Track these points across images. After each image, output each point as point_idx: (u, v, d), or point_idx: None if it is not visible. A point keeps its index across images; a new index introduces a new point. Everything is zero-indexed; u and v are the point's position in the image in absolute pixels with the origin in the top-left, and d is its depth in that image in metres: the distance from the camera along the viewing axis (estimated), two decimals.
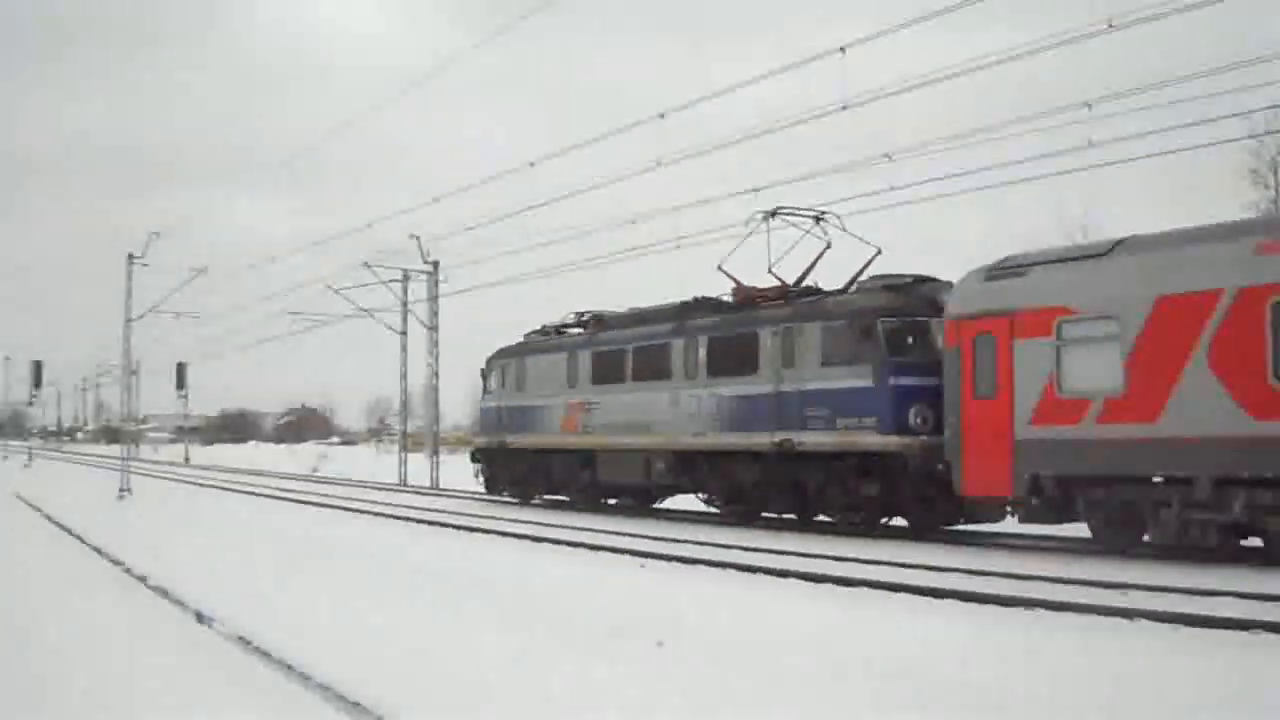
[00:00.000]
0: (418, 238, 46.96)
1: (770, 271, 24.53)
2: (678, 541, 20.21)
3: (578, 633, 11.61)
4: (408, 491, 40.60)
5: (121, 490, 38.56)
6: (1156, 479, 16.23)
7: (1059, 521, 18.24)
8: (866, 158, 24.03)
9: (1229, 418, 15.32)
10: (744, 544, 19.47)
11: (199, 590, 14.99)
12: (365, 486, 43.59)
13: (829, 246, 24.72)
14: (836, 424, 21.28)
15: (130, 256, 40.31)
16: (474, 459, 34.63)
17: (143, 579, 16.72)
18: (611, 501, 29.47)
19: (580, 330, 30.27)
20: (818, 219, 24.87)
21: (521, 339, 32.61)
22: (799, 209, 24.87)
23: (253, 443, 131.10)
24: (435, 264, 48.02)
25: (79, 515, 28.38)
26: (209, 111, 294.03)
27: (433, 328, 48.56)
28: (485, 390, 33.85)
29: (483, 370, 33.91)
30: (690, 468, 25.40)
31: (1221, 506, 15.56)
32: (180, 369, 67.82)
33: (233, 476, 54.35)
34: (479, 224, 39.00)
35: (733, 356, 23.84)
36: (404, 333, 50.55)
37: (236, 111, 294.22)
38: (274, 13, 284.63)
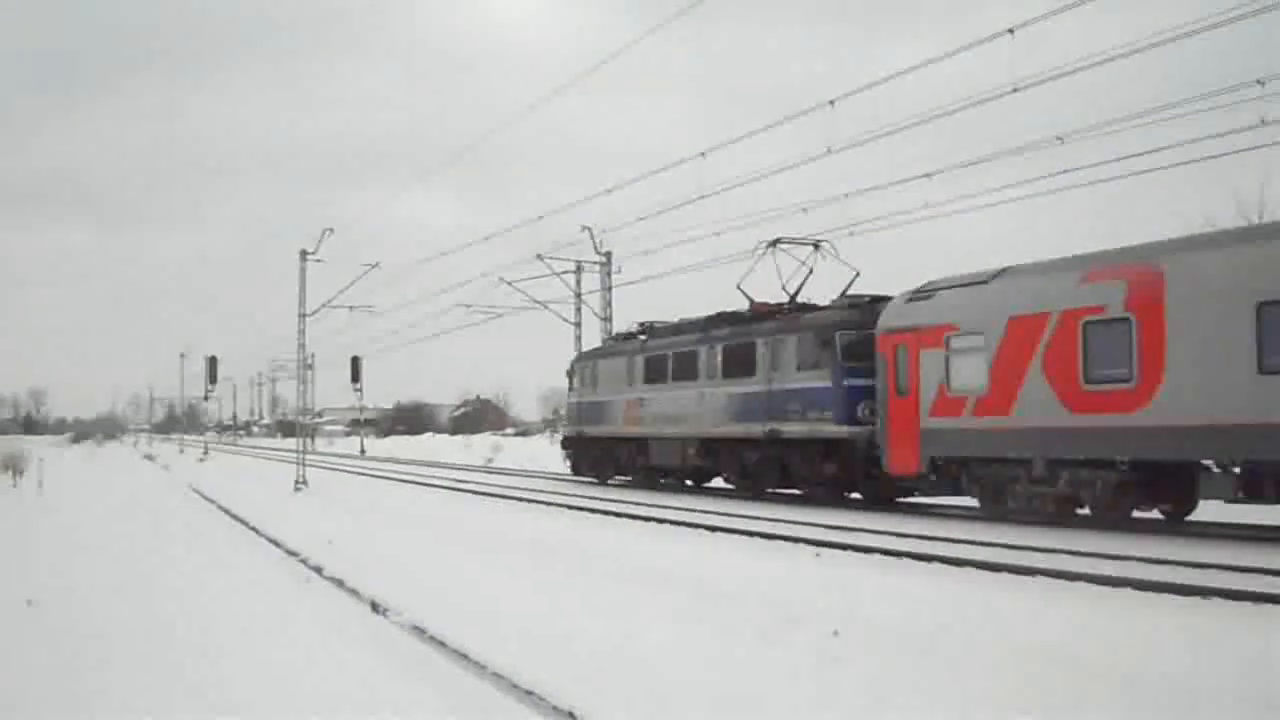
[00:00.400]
0: (590, 229, 47.02)
1: (783, 289, 30.04)
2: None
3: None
4: (576, 482, 40.41)
5: (298, 483, 39.36)
6: (1010, 459, 21.10)
7: (953, 494, 23.10)
8: (1037, 140, 24.22)
9: (1055, 412, 20.07)
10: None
11: (374, 580, 14.97)
12: (535, 476, 43.68)
13: (811, 273, 30.31)
14: (807, 416, 26.47)
15: (303, 253, 40.83)
16: (563, 446, 40.47)
17: (318, 569, 16.82)
18: (662, 480, 34.76)
19: (640, 338, 35.35)
20: (816, 246, 30.14)
21: (599, 345, 38.15)
22: (798, 239, 30.17)
23: (428, 434, 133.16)
24: (608, 255, 47.98)
25: (255, 508, 28.96)
26: (379, 109, 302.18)
27: (606, 318, 48.50)
28: (570, 388, 39.18)
29: (568, 371, 39.21)
30: (712, 452, 30.70)
31: (1053, 482, 20.39)
32: (355, 362, 68.61)
33: (407, 468, 55.24)
34: (651, 214, 38.82)
35: (739, 361, 29.02)
36: (578, 324, 50.48)
37: (406, 108, 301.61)
38: (440, 8, 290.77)
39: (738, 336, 29.40)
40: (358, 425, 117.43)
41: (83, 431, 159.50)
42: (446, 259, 46.92)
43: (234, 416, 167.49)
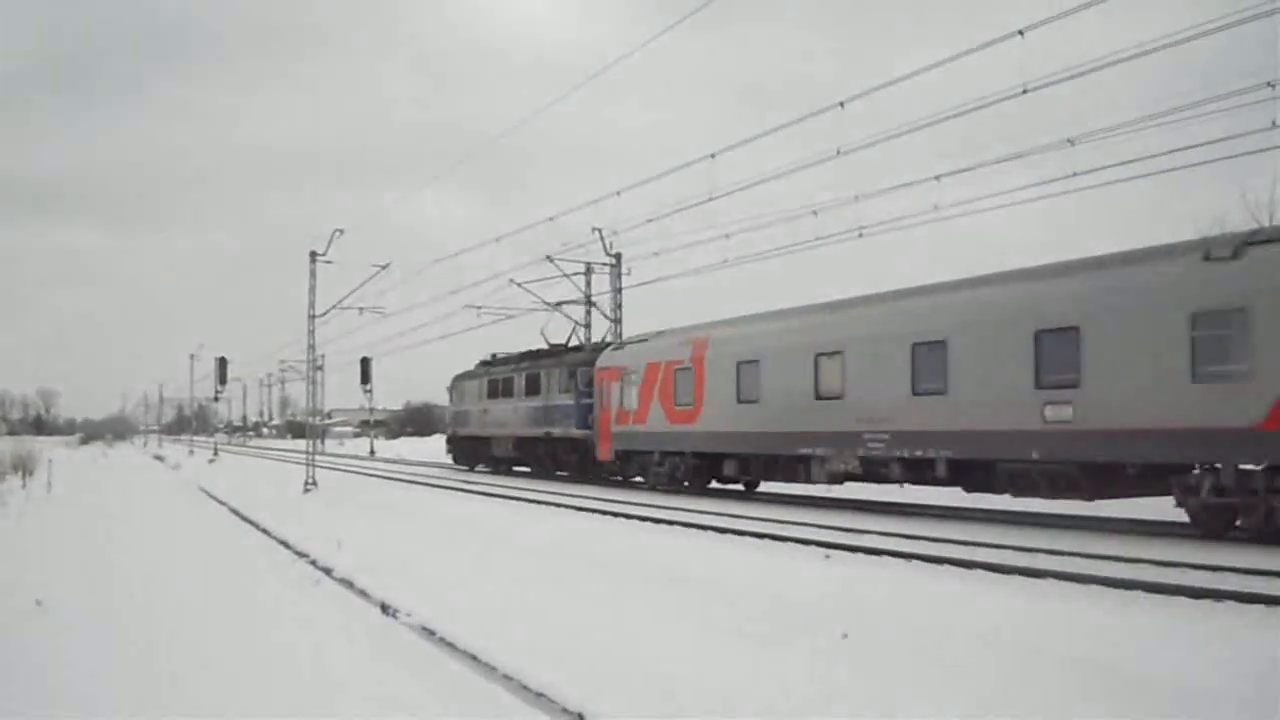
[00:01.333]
0: (600, 230, 46.94)
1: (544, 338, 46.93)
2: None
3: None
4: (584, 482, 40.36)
5: (307, 484, 39.42)
6: (650, 450, 33.64)
7: (634, 476, 35.61)
8: (1046, 143, 24.26)
9: (664, 421, 32.74)
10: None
11: (384, 580, 14.95)
12: (547, 478, 43.58)
13: (574, 327, 48.86)
14: (564, 424, 39.79)
15: (313, 254, 40.82)
16: (446, 443, 54.91)
17: (327, 570, 16.79)
18: (517, 469, 47.10)
19: (487, 366, 48.48)
20: (588, 309, 47.69)
21: (468, 370, 50.71)
22: (573, 299, 48.52)
23: (437, 435, 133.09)
24: (618, 256, 47.95)
25: (265, 509, 28.94)
26: (392, 111, 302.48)
27: (615, 320, 48.48)
28: (450, 401, 53.71)
29: (448, 388, 53.28)
30: (520, 447, 44.22)
31: (663, 464, 33.20)
32: (364, 364, 68.59)
33: (415, 469, 55.19)
34: (661, 215, 38.73)
35: (533, 385, 42.19)
36: (587, 325, 50.43)
37: (419, 110, 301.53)
38: (454, 11, 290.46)
39: (533, 368, 42.59)
40: (367, 426, 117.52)
41: (92, 432, 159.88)
42: (457, 260, 46.70)
43: (243, 417, 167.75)
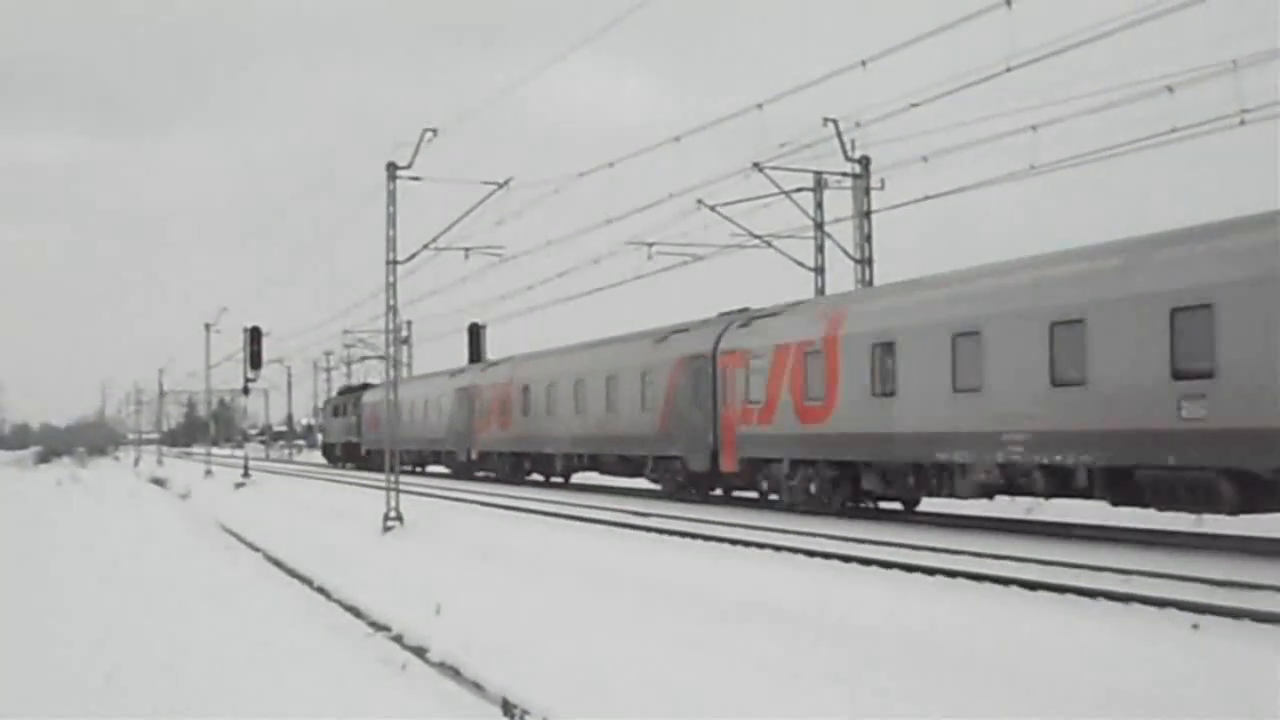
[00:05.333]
0: (835, 122, 46.67)
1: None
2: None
3: None
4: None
5: (388, 520, 40.71)
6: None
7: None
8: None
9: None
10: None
11: (504, 665, 15.86)
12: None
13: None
14: (369, 436, 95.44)
15: (392, 167, 41.79)
16: (323, 450, 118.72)
17: (419, 650, 17.74)
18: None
19: (339, 395, 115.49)
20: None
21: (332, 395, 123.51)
22: (374, 354, 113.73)
23: None
24: (864, 161, 47.78)
25: (324, 561, 30.61)
26: None
27: (862, 260, 48.41)
28: (324, 416, 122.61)
29: (319, 408, 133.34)
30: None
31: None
32: (475, 332, 69.58)
33: (553, 492, 55.05)
34: (930, 96, 38.30)
35: (345, 411, 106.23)
36: (819, 269, 50.34)
37: None
38: None
39: (348, 399, 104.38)
40: None
41: (56, 445, 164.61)
42: (615, 172, 46.37)
43: (288, 418, 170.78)
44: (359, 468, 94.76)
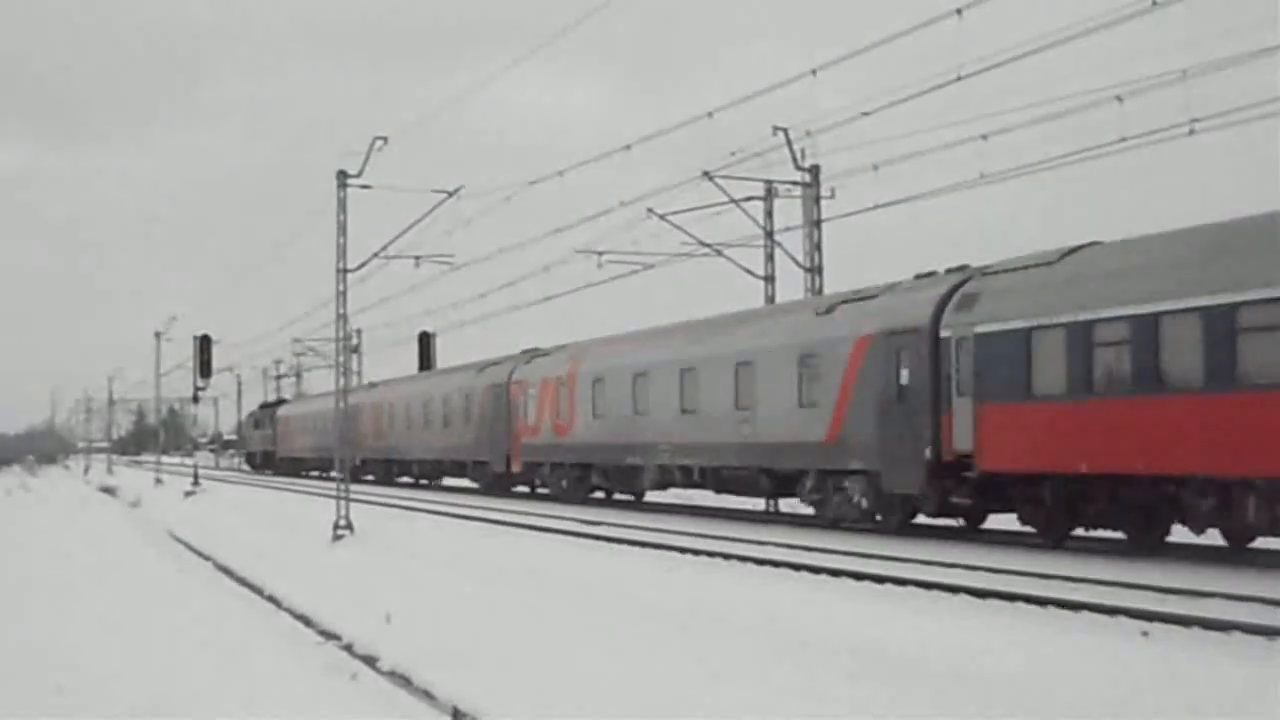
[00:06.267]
0: (785, 130, 46.64)
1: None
2: None
3: None
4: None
5: (338, 528, 40.82)
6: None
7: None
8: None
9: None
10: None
11: (454, 674, 15.86)
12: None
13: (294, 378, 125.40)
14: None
15: (343, 175, 41.77)
16: (246, 459, 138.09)
17: (369, 660, 17.73)
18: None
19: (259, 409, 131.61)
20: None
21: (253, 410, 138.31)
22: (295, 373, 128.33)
23: None
24: (814, 170, 47.70)
25: (273, 570, 30.40)
26: None
27: (811, 269, 48.37)
28: (245, 428, 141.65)
29: (242, 421, 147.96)
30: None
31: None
32: (424, 341, 69.67)
33: (506, 500, 55.30)
34: (879, 105, 38.27)
35: (263, 424, 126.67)
36: (769, 277, 50.37)
37: None
38: None
39: (265, 414, 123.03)
40: None
41: (4, 453, 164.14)
42: (565, 180, 46.32)
43: (238, 427, 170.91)
44: (276, 473, 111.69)
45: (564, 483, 55.66)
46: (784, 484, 40.71)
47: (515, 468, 60.07)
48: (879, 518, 35.34)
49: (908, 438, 32.77)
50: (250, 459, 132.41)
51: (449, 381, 70.33)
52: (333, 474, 68.13)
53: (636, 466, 48.11)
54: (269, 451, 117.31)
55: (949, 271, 34.43)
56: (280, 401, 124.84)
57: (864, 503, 35.26)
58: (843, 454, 35.81)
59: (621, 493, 53.63)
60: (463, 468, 69.33)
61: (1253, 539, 26.93)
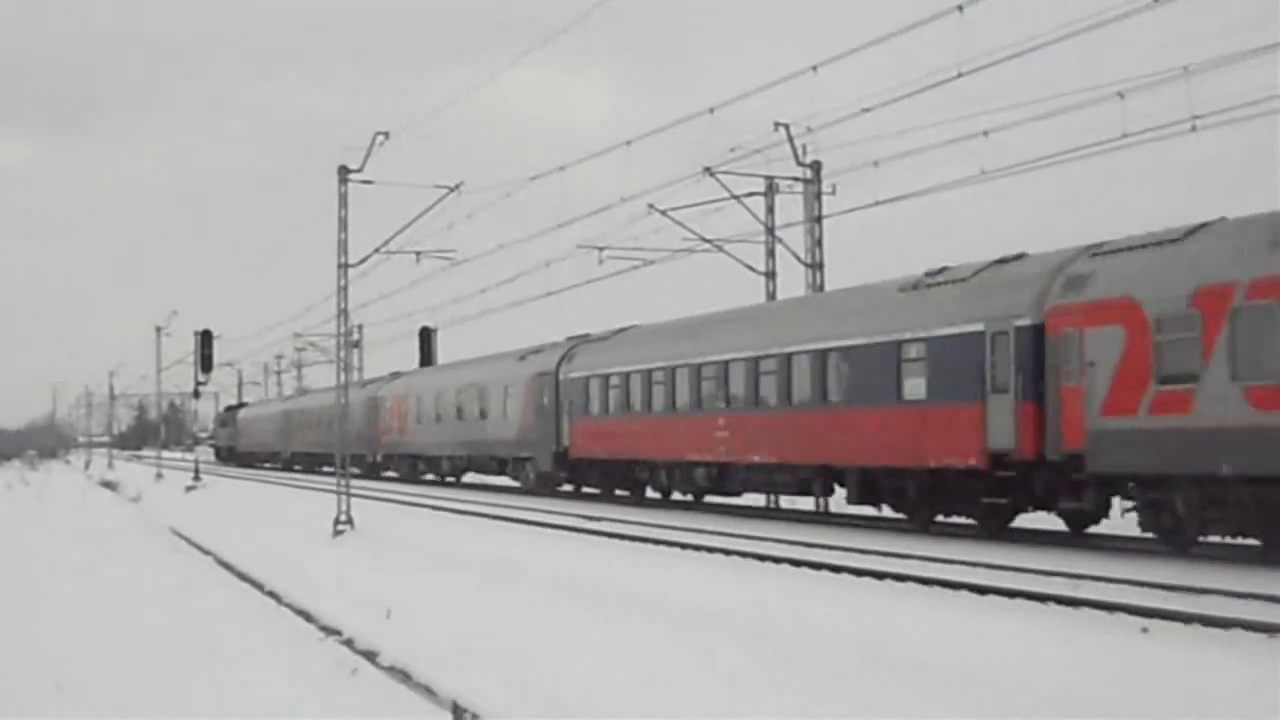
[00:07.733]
0: (787, 126, 46.56)
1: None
2: None
3: None
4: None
5: (339, 524, 40.53)
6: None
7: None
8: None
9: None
10: None
11: (455, 669, 15.81)
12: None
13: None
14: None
15: (344, 171, 41.66)
16: (215, 452, 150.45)
17: (370, 655, 17.72)
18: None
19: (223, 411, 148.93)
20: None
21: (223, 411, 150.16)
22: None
23: None
24: (815, 166, 47.65)
25: (274, 564, 30.55)
26: None
27: (812, 265, 48.33)
28: (215, 426, 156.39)
29: (213, 419, 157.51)
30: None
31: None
32: (425, 336, 69.66)
33: (508, 496, 55.05)
34: (882, 101, 38.21)
35: (227, 423, 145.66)
36: (771, 273, 50.26)
37: None
38: None
39: (229, 415, 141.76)
40: None
41: (5, 448, 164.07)
42: (566, 176, 46.30)
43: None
44: (240, 465, 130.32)
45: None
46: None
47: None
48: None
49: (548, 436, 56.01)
50: (218, 452, 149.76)
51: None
52: (267, 465, 79.50)
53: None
54: (231, 446, 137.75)
55: (568, 339, 57.82)
56: (242, 405, 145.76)
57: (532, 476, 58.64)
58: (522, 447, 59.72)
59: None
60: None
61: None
